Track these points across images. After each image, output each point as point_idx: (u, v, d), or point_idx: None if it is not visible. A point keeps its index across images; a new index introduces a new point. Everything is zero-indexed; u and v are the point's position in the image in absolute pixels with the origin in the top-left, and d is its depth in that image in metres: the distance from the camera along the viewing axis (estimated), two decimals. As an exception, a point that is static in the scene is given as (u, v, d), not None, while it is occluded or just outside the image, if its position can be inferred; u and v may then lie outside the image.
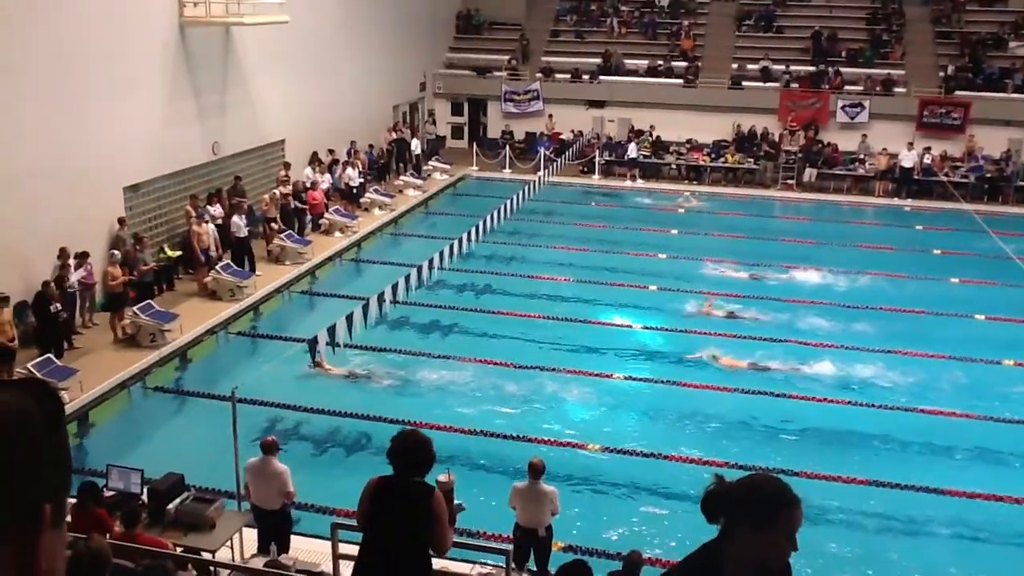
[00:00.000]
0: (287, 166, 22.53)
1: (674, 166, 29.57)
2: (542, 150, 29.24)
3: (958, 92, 29.17)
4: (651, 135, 30.04)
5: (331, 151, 24.69)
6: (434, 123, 32.30)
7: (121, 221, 17.02)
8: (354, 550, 6.76)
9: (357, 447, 12.58)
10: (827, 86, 30.14)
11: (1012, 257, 18.40)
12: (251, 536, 9.45)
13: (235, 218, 18.88)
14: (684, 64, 31.74)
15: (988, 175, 27.32)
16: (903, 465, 12.24)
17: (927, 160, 27.52)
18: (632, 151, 29.03)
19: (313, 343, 12.11)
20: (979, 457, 12.58)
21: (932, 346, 15.95)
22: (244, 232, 18.90)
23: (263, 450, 9.24)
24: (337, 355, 13.64)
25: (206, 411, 13.28)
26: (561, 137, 31.08)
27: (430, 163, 29.46)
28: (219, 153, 20.35)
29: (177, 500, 9.08)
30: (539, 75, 32.57)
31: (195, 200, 18.92)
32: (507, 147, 30.30)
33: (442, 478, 5.37)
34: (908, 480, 11.65)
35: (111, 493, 9.17)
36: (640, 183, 28.86)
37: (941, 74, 30.03)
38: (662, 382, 14.67)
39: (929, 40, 31.78)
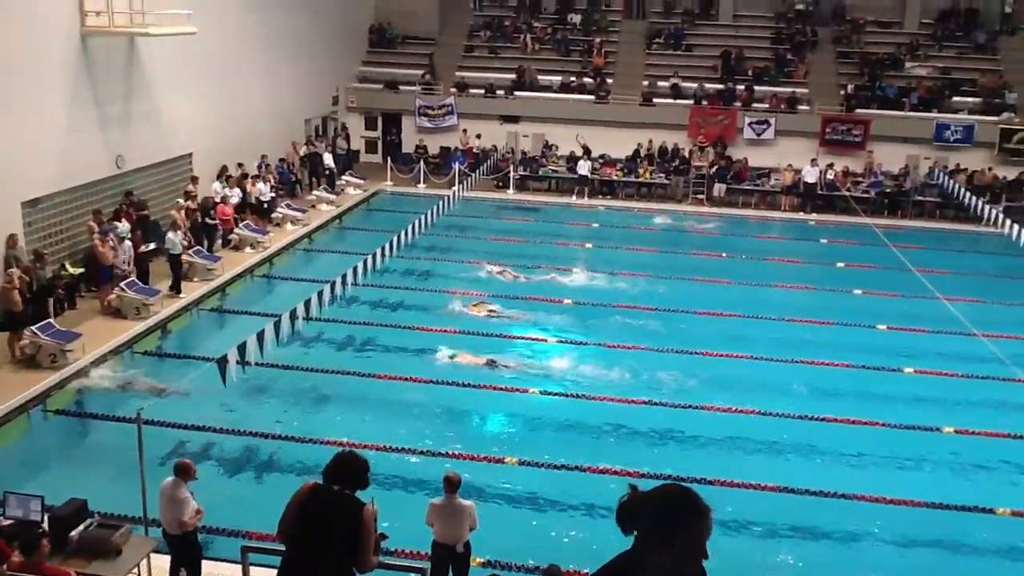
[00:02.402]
0: (195, 180, 22.02)
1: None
2: (457, 165, 29.21)
3: (858, 110, 30.32)
4: (581, 142, 30.19)
5: (240, 165, 24.21)
6: (347, 138, 31.98)
7: (11, 240, 16.28)
8: (265, 573, 6.62)
9: (268, 468, 12.29)
10: (738, 103, 30.90)
11: (911, 269, 19.09)
12: (160, 562, 9.14)
13: (170, 234, 18.59)
14: (596, 80, 32.17)
15: (887, 190, 28.42)
16: (810, 471, 12.56)
17: (830, 175, 28.47)
18: (583, 168, 29.10)
19: (223, 362, 11.83)
20: (880, 462, 12.98)
21: (836, 355, 16.45)
22: (179, 248, 18.50)
23: (174, 472, 8.96)
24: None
25: (110, 434, 12.84)
26: (475, 151, 31.11)
27: (343, 178, 29.18)
28: (124, 167, 19.76)
29: (80, 527, 8.73)
30: (453, 90, 32.60)
31: (98, 215, 18.33)
32: (422, 162, 30.21)
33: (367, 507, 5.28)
34: (817, 486, 11.94)
35: (9, 522, 8.76)
36: (587, 200, 28.90)
37: (842, 92, 31.14)
38: (579, 396, 14.75)
39: (831, 60, 32.92)
